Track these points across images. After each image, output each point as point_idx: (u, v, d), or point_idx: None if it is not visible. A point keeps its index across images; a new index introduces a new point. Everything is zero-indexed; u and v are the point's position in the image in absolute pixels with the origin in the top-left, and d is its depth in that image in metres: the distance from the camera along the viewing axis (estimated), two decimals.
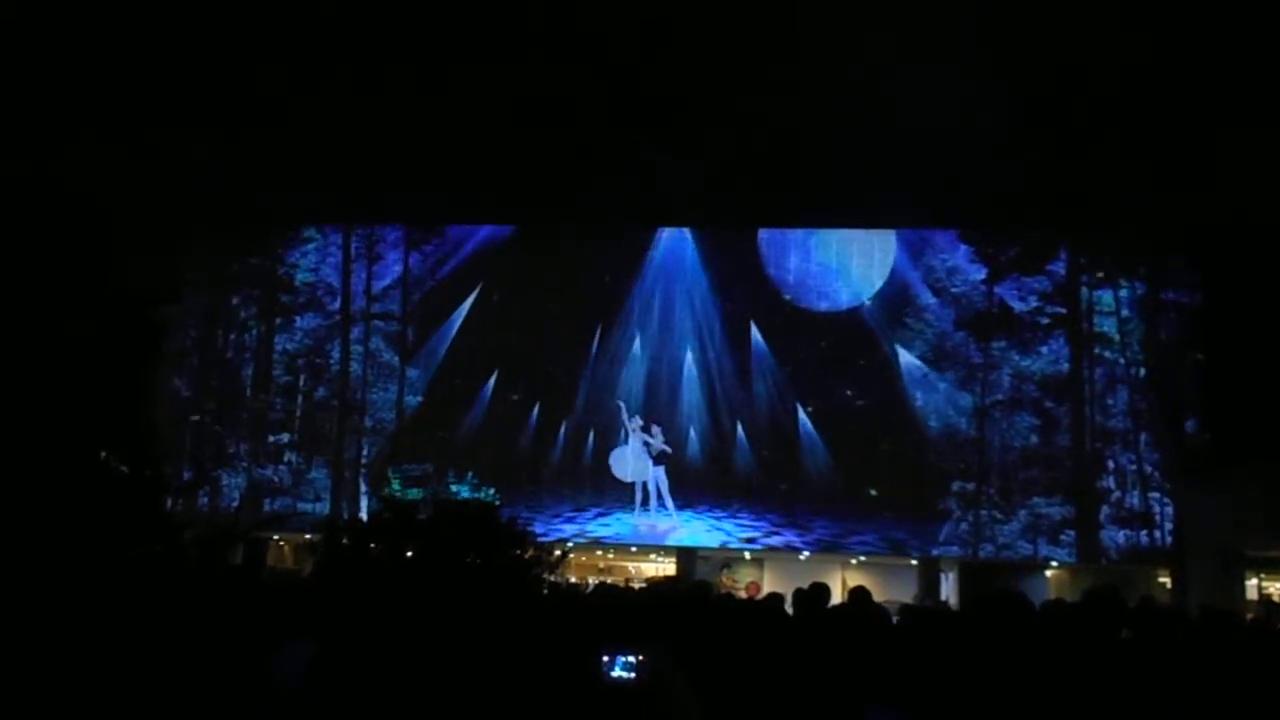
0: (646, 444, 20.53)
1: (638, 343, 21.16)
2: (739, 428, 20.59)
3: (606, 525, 20.50)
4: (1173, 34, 15.17)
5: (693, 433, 20.68)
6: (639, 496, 20.47)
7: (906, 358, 20.34)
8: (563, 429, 20.97)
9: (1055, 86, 16.36)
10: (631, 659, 4.44)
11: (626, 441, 20.63)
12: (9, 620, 4.46)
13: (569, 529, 20.24)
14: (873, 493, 20.05)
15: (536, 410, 21.06)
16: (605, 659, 4.44)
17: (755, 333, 20.85)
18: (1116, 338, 19.90)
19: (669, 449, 20.53)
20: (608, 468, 20.68)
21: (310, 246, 22.33)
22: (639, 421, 20.63)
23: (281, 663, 4.87)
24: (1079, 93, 16.57)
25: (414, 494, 17.77)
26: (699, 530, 20.29)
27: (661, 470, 20.45)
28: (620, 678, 4.43)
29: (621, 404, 20.74)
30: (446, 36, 16.47)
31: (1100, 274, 20.21)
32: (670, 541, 20.48)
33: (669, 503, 20.34)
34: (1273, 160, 16.40)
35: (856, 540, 19.92)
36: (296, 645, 4.98)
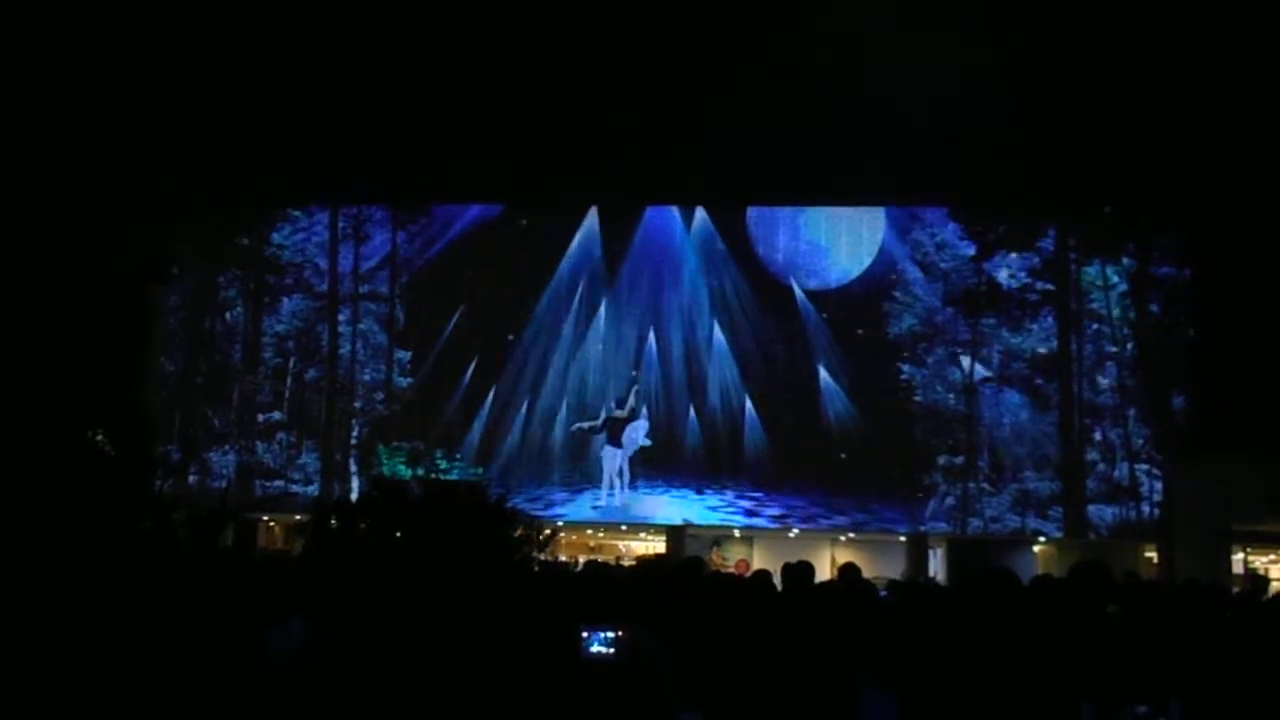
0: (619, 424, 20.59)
1: (625, 321, 21.14)
2: (728, 405, 20.61)
3: (575, 504, 20.55)
4: (1162, 9, 15.15)
5: (680, 410, 20.69)
6: (625, 476, 20.53)
7: (894, 334, 20.35)
8: (551, 409, 20.97)
9: (1045, 63, 16.33)
10: (610, 635, 4.46)
11: (619, 423, 20.66)
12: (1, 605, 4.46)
13: (558, 508, 20.25)
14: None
15: (524, 390, 21.05)
16: (584, 635, 4.45)
17: (744, 310, 20.85)
18: (1106, 314, 19.94)
19: (635, 428, 20.56)
20: (595, 447, 20.72)
21: (297, 226, 22.18)
22: (613, 407, 20.66)
23: (277, 640, 4.89)
24: (1069, 69, 16.54)
25: (401, 468, 17.81)
26: (686, 507, 20.34)
27: (623, 449, 20.47)
28: (599, 653, 4.45)
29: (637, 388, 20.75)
30: (434, 13, 16.37)
31: (1089, 251, 20.23)
32: (657, 519, 20.52)
33: (622, 480, 20.40)
34: (1263, 136, 16.41)
35: (845, 517, 19.99)
36: (291, 623, 5.00)
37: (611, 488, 20.43)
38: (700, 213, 21.34)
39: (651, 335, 21.02)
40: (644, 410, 20.62)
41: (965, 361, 20.08)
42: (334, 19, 16.21)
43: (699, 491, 20.39)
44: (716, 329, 20.88)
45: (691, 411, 20.69)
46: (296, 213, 22.17)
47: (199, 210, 21.63)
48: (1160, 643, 5.39)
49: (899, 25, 15.61)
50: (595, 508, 20.52)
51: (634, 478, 20.49)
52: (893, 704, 5.27)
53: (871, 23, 15.51)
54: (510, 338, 21.21)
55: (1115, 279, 19.98)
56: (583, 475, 20.70)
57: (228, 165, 19.29)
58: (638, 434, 20.56)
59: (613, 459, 20.49)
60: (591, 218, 21.50)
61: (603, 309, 21.19)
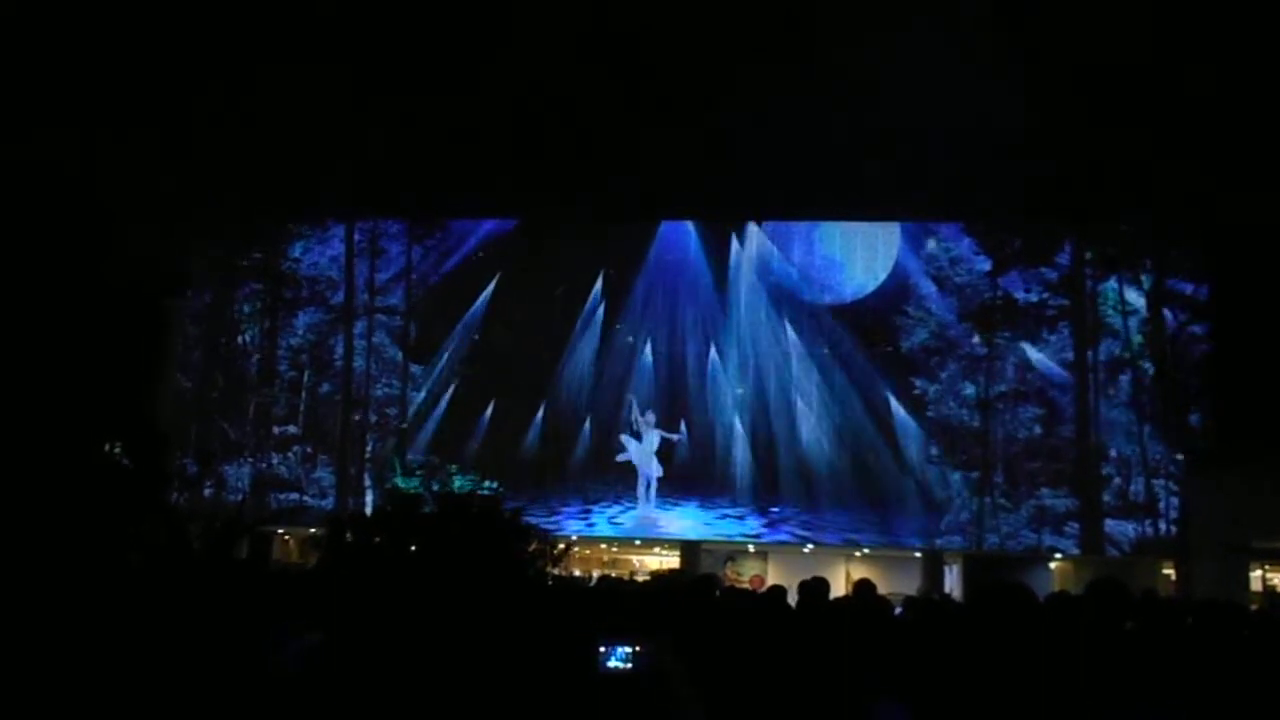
0: (656, 438, 20.50)
1: (641, 336, 21.14)
2: (742, 420, 20.57)
3: (589, 521, 20.46)
4: (1179, 24, 15.12)
5: (696, 426, 20.65)
6: (640, 490, 20.47)
7: (910, 348, 20.29)
8: (565, 424, 20.95)
9: (1062, 79, 16.31)
10: (628, 650, 4.44)
11: (639, 437, 20.55)
12: (12, 616, 4.47)
13: (572, 523, 20.21)
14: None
15: (539, 405, 21.03)
16: (602, 650, 4.43)
17: (758, 325, 20.84)
18: (1122, 329, 19.84)
19: (677, 437, 20.48)
20: (609, 462, 20.67)
21: (312, 240, 22.28)
22: (652, 417, 20.56)
23: (283, 649, 4.88)
24: (1086, 85, 16.51)
25: (414, 483, 17.83)
26: (700, 523, 20.28)
27: (656, 463, 20.42)
28: (616, 668, 4.43)
29: (632, 398, 20.68)
30: (449, 30, 16.45)
31: (1106, 266, 20.14)
32: (671, 535, 20.48)
33: (651, 495, 20.33)
34: None
35: (860, 533, 19.92)
36: (299, 632, 5.00)
37: (644, 499, 20.41)
38: (715, 228, 21.35)
39: (665, 350, 21.00)
40: (657, 430, 20.53)
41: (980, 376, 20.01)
42: (351, 34, 16.30)
43: (714, 506, 20.32)
44: (729, 344, 20.86)
45: (707, 427, 20.65)
46: (308, 230, 22.23)
47: (215, 225, 21.75)
48: (1172, 660, 5.35)
49: (915, 39, 15.62)
50: (646, 521, 20.43)
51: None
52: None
53: (887, 37, 15.52)
54: (527, 352, 21.20)
55: (1132, 296, 19.87)
56: (596, 491, 20.67)
57: (243, 180, 19.38)
58: (650, 453, 20.50)
59: (653, 472, 20.45)
60: (606, 232, 21.53)
61: (612, 322, 21.17)
